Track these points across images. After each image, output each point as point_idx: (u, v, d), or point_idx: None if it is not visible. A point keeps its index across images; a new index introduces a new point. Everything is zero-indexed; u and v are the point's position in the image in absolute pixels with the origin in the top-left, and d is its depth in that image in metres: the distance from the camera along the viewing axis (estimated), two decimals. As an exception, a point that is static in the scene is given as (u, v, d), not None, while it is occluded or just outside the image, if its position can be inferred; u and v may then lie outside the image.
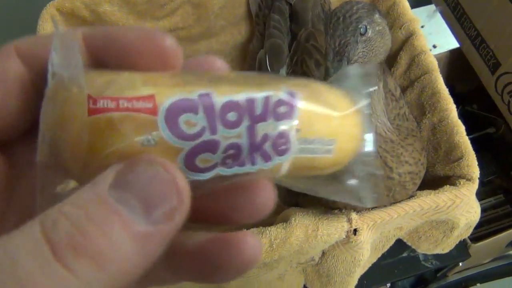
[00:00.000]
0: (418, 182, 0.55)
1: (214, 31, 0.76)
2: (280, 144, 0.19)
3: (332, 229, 0.51)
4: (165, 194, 0.17)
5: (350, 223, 0.52)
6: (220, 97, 0.18)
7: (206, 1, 0.70)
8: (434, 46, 1.17)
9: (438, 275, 0.86)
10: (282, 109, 0.19)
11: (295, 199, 0.71)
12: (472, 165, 0.56)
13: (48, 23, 0.65)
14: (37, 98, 0.19)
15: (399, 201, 0.53)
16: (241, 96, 0.18)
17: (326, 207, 0.57)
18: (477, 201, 0.61)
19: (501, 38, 0.78)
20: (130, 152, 0.17)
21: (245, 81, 0.19)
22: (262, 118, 0.19)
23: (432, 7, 1.10)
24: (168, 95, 0.18)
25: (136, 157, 0.18)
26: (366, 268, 0.65)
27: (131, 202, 0.17)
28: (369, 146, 0.23)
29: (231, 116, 0.18)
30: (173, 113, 0.17)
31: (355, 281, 0.62)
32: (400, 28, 0.67)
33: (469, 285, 0.87)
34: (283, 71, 0.67)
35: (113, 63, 0.20)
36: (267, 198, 0.22)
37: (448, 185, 0.56)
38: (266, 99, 0.19)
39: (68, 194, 0.17)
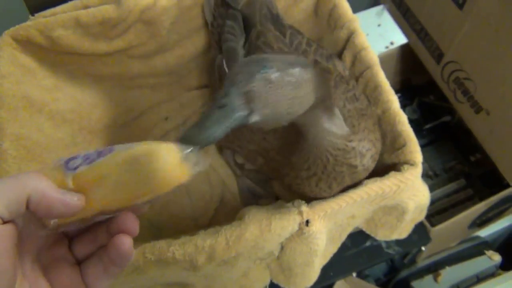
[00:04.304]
0: (377, 156, 0.57)
1: (168, 46, 0.79)
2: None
3: (285, 222, 0.54)
4: None
5: (301, 215, 0.55)
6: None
7: (156, 18, 0.72)
8: (392, 43, 1.22)
9: (405, 261, 0.89)
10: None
11: (256, 201, 0.74)
12: (414, 151, 0.59)
13: (5, 51, 0.68)
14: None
15: (348, 190, 0.56)
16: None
17: (282, 201, 0.59)
18: (424, 184, 0.64)
19: (441, 29, 0.81)
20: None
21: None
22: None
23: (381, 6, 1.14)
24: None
25: None
26: (327, 259, 0.68)
27: None
28: None
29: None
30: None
31: (316, 271, 0.64)
32: (342, 28, 0.71)
33: (438, 269, 0.90)
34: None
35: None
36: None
37: (393, 172, 0.59)
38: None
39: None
